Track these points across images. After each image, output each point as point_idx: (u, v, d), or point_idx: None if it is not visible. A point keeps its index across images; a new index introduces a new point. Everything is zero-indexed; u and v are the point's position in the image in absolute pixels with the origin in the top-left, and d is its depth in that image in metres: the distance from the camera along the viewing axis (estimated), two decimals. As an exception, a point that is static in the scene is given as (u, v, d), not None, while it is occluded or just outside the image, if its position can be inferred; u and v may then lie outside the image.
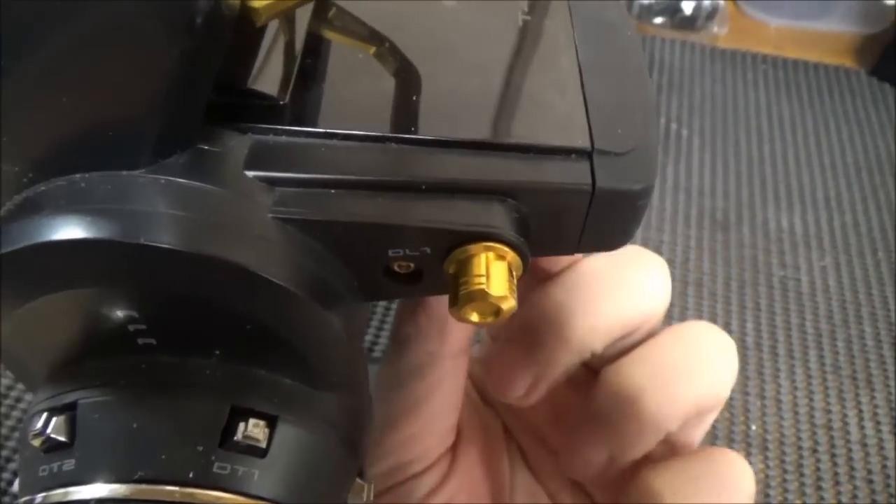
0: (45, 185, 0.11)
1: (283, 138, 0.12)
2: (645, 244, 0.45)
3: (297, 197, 0.12)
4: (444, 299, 0.15)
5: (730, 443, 0.36)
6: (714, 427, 0.37)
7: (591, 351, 0.17)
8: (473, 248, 0.12)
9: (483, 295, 0.12)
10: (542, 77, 0.14)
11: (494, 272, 0.12)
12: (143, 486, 0.11)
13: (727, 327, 0.41)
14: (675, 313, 0.42)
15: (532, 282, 0.18)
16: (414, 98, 0.13)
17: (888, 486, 0.35)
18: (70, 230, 0.11)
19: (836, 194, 0.49)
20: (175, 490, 0.11)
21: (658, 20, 0.63)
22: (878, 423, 0.37)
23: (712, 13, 0.62)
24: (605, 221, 0.13)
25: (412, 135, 0.13)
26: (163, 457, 0.12)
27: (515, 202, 0.13)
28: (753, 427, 0.37)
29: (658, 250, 0.45)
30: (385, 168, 0.12)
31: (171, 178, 0.11)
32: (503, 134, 0.13)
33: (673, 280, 0.44)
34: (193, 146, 0.12)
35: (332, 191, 0.12)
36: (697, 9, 0.61)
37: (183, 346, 0.12)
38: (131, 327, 0.12)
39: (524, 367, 0.17)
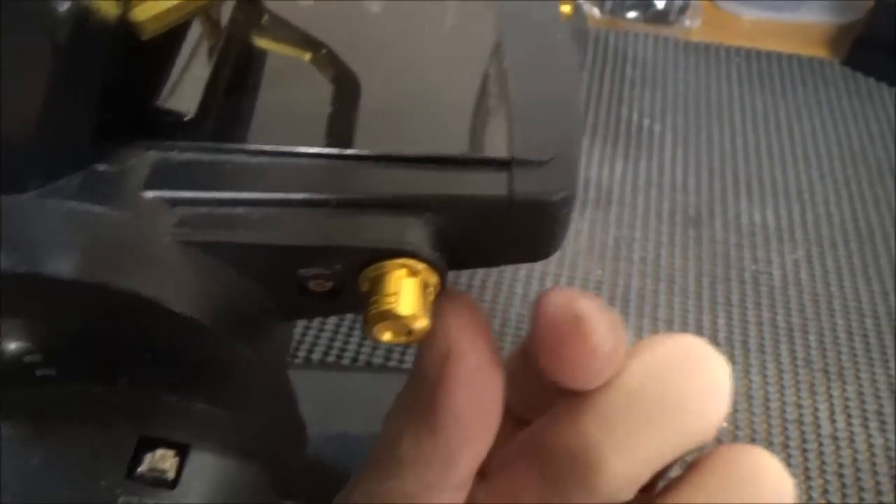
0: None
1: (187, 155, 0.12)
2: (617, 242, 0.45)
3: (199, 218, 0.11)
4: (463, 429, 0.14)
5: (701, 441, 0.36)
6: (685, 425, 0.36)
7: (621, 499, 0.14)
8: (387, 264, 0.12)
9: (393, 315, 0.11)
10: (464, 84, 0.14)
11: (406, 291, 0.11)
12: (43, 524, 0.11)
13: (698, 323, 0.41)
14: (647, 311, 0.42)
15: (557, 395, 0.15)
16: (329, 110, 0.13)
17: (858, 479, 0.35)
18: (-51, 260, 0.10)
19: (809, 186, 0.49)
20: (77, 527, 0.11)
21: (631, 15, 0.62)
22: (850, 416, 0.37)
23: (685, 7, 0.61)
24: (527, 232, 0.13)
25: (324, 149, 0.12)
26: (65, 493, 0.11)
27: (432, 215, 0.12)
28: (724, 423, 0.36)
29: (630, 247, 0.45)
30: (294, 184, 0.12)
31: (60, 202, 0.11)
32: (419, 145, 0.12)
33: (645, 277, 0.44)
34: (87, 166, 0.11)
35: (238, 210, 0.12)
36: (670, 3, 0.61)
37: (85, 374, 0.12)
38: (27, 359, 0.11)
39: (536, 497, 0.15)
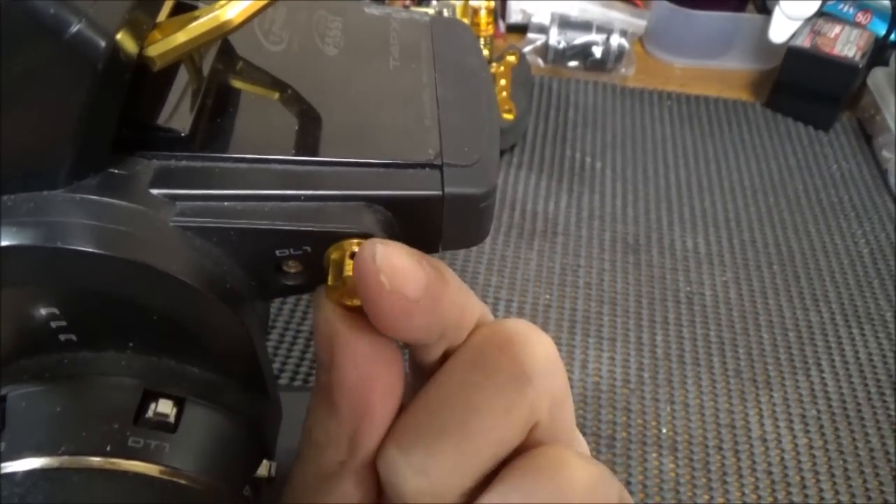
0: (-24, 206, 0.13)
1: (184, 163, 0.15)
2: (563, 268, 0.49)
3: (195, 209, 0.14)
4: (356, 404, 0.14)
5: (643, 446, 0.39)
6: (628, 432, 0.39)
7: None
8: (345, 244, 0.15)
9: (352, 280, 0.14)
10: (405, 109, 0.17)
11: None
12: (66, 458, 0.13)
13: (639, 341, 0.44)
14: (592, 331, 0.45)
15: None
16: (296, 128, 0.16)
17: (786, 475, 0.38)
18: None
19: (735, 215, 0.53)
20: (94, 460, 0.13)
21: (572, 64, 0.68)
22: (776, 419, 0.41)
23: (620, 56, 0.67)
24: (459, 221, 0.16)
25: (294, 156, 0.15)
26: (83, 434, 0.14)
27: (382, 208, 0.15)
28: (664, 430, 0.40)
29: (575, 273, 0.49)
30: (271, 184, 0.15)
31: (85, 196, 0.13)
32: (369, 154, 0.16)
33: (589, 300, 0.48)
34: (104, 170, 0.14)
35: (226, 203, 0.15)
36: (606, 52, 0.66)
37: (100, 340, 0.14)
38: (53, 324, 0.14)
39: None
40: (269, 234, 0.14)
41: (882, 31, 0.60)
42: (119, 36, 0.12)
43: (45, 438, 0.14)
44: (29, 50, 0.11)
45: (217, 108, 0.16)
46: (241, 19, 0.13)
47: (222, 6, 0.13)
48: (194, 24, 0.13)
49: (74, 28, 0.11)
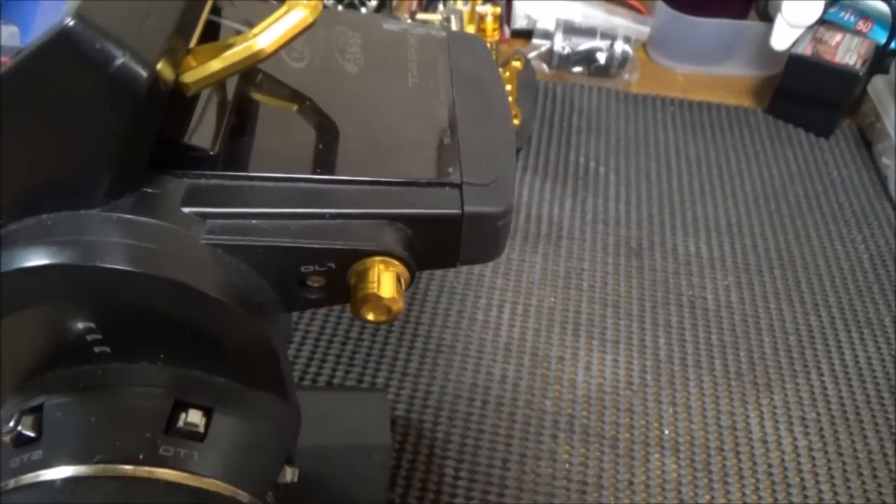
0: (17, 224, 0.14)
1: (213, 181, 0.15)
2: (567, 272, 0.49)
3: (224, 227, 0.15)
4: None
5: (646, 447, 0.39)
6: (631, 433, 0.40)
7: None
8: (369, 261, 0.15)
9: (376, 297, 0.15)
10: (424, 127, 0.18)
11: (385, 280, 0.15)
12: (101, 466, 0.14)
13: (642, 343, 0.45)
14: (596, 333, 0.45)
15: None
16: (320, 146, 0.17)
17: (786, 477, 0.39)
18: (40, 257, 0.13)
19: (737, 220, 0.54)
20: (128, 468, 0.14)
21: (576, 69, 0.68)
22: (777, 421, 0.41)
23: (623, 62, 0.67)
24: (476, 238, 0.16)
25: (318, 175, 0.16)
26: (117, 443, 0.14)
27: (403, 225, 0.16)
28: (667, 431, 0.40)
29: (580, 276, 0.49)
30: (296, 202, 0.15)
31: (121, 215, 0.14)
32: (391, 173, 0.16)
33: (593, 303, 0.48)
34: (138, 189, 0.15)
35: (254, 221, 0.15)
36: (610, 58, 0.67)
37: (132, 353, 0.15)
38: (89, 337, 0.14)
39: None
40: (295, 252, 0.15)
41: (882, 40, 0.60)
42: (159, 66, 0.12)
43: (81, 447, 0.14)
44: (75, 80, 0.12)
45: (243, 126, 0.17)
46: (274, 48, 0.14)
47: (255, 35, 0.14)
48: (228, 52, 0.14)
49: (119, 61, 0.12)
